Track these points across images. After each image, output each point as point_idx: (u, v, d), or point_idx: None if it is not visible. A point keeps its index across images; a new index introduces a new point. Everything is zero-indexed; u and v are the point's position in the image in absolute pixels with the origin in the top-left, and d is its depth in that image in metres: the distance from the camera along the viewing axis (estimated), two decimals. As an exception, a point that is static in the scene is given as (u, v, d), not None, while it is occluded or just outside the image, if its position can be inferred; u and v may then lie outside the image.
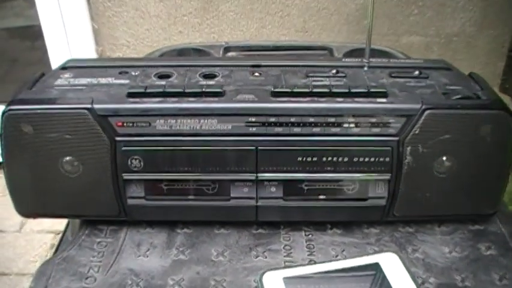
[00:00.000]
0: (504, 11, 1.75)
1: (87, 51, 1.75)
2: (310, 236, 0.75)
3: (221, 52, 1.07)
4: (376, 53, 0.78)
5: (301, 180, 0.71)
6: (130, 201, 0.72)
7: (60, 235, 0.89)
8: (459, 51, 1.81)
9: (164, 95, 0.69)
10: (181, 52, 1.11)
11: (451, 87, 0.72)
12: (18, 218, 0.74)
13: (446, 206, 0.73)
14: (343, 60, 0.80)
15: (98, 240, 0.74)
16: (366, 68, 0.77)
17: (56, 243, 0.90)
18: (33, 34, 2.77)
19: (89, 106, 0.67)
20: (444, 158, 0.69)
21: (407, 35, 1.77)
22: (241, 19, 1.71)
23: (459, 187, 0.72)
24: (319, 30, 1.74)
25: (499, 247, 0.73)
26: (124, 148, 0.68)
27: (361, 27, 1.72)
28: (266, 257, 0.71)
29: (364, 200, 0.72)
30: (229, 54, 1.07)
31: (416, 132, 0.68)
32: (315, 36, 1.75)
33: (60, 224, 0.89)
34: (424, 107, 0.67)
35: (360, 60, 0.79)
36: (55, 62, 1.76)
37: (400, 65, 0.79)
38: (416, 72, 0.75)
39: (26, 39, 2.93)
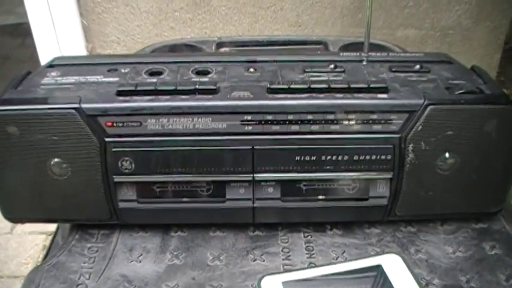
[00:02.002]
0: (500, 3, 1.73)
1: (77, 48, 1.72)
2: (309, 237, 0.72)
3: (214, 48, 1.04)
4: (372, 47, 0.76)
5: (300, 180, 0.69)
6: (121, 204, 0.70)
7: (52, 236, 0.86)
8: (455, 44, 1.79)
9: (155, 93, 0.66)
10: (173, 48, 1.08)
11: (454, 82, 0.70)
12: (8, 219, 0.72)
13: (449, 204, 0.71)
14: (341, 54, 0.78)
15: (89, 245, 0.71)
16: (364, 63, 0.75)
17: (47, 245, 0.88)
18: (24, 31, 2.75)
19: (76, 106, 0.64)
20: (447, 155, 0.67)
21: (403, 28, 1.76)
22: (233, 14, 1.69)
23: (463, 185, 0.70)
24: (313, 24, 1.72)
25: (504, 246, 0.71)
26: (114, 149, 0.66)
27: (356, 20, 1.70)
28: (264, 261, 0.69)
29: (365, 199, 0.70)
30: (222, 49, 1.05)
31: (419, 128, 0.65)
32: (308, 30, 1.73)
33: (52, 224, 0.87)
34: (426, 102, 0.65)
35: (358, 54, 0.77)
36: (45, 60, 1.73)
37: (400, 59, 0.76)
38: (418, 67, 0.73)
39: (17, 36, 2.92)
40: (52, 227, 0.87)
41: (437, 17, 1.73)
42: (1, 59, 2.74)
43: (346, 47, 1.02)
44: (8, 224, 1.78)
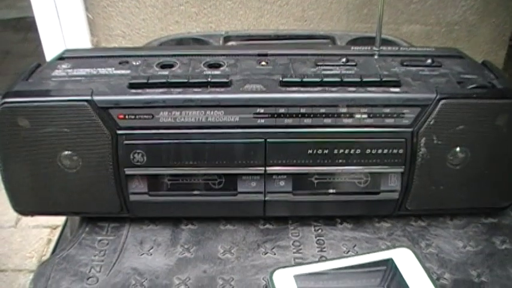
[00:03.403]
0: (506, -1, 1.73)
1: (82, 42, 1.72)
2: (319, 231, 0.72)
3: (221, 41, 1.04)
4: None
5: (311, 174, 0.69)
6: (132, 197, 0.69)
7: (57, 230, 0.86)
8: (460, 40, 1.78)
9: (168, 85, 0.66)
10: (180, 42, 1.08)
11: (466, 76, 0.70)
12: (13, 213, 0.72)
13: (460, 199, 0.71)
14: (352, 48, 0.78)
15: (99, 238, 0.71)
16: (376, 57, 0.75)
17: (54, 239, 0.88)
18: (26, 26, 2.75)
19: (88, 98, 0.64)
20: (458, 149, 0.67)
21: (408, 23, 1.75)
22: (239, 8, 1.68)
23: (473, 179, 0.69)
24: (319, 19, 1.71)
25: (514, 241, 0.71)
26: (126, 142, 0.66)
27: (362, 15, 1.70)
28: (275, 254, 0.69)
29: (376, 193, 0.70)
30: (230, 43, 1.05)
31: (431, 122, 0.65)
32: (314, 25, 1.72)
33: (57, 218, 0.86)
34: (439, 96, 0.65)
35: (369, 48, 0.76)
36: (49, 54, 1.73)
37: (411, 53, 0.76)
38: (429, 61, 0.73)
39: (18, 31, 2.91)
40: (57, 221, 0.87)
41: (443, 13, 1.73)
42: (3, 53, 2.73)
43: (354, 42, 1.02)
44: (12, 218, 1.78)
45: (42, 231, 1.75)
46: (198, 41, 1.07)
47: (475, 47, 1.79)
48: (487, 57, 1.75)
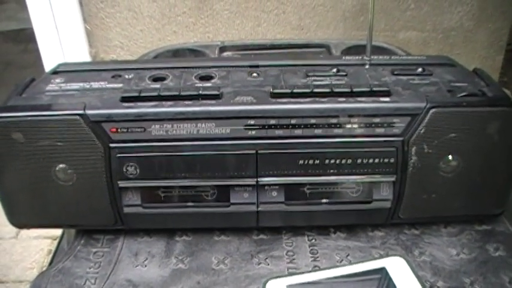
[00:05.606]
0: (502, 4, 1.73)
1: (81, 53, 1.73)
2: (313, 240, 0.73)
3: (217, 52, 1.04)
4: (374, 49, 0.76)
5: (303, 184, 0.69)
6: (126, 210, 0.70)
7: (57, 241, 0.86)
8: (457, 46, 1.79)
9: (159, 98, 0.67)
10: (176, 53, 1.09)
11: (456, 84, 0.70)
12: (14, 225, 0.73)
13: (452, 206, 0.71)
14: (344, 58, 0.78)
15: (94, 250, 0.72)
16: (367, 66, 0.75)
17: (53, 250, 0.88)
18: (26, 37, 2.76)
19: (81, 112, 0.65)
20: (450, 158, 0.67)
21: (404, 30, 1.76)
22: (236, 18, 1.69)
23: (466, 187, 0.70)
24: (315, 27, 1.72)
25: (507, 248, 0.71)
26: (119, 155, 0.66)
27: (358, 23, 1.70)
28: (268, 264, 0.69)
29: (369, 202, 0.70)
30: (225, 54, 1.05)
31: (422, 131, 0.66)
32: (311, 33, 1.73)
33: (57, 229, 0.87)
34: (429, 105, 0.65)
35: (360, 57, 0.77)
36: (48, 65, 1.74)
37: (403, 62, 0.77)
38: (420, 69, 0.73)
39: (19, 42, 2.92)
40: (57, 231, 0.87)
41: (439, 19, 1.73)
42: (3, 64, 2.74)
43: (349, 50, 1.02)
44: (13, 229, 1.76)
45: (42, 242, 1.75)
46: (194, 52, 1.07)
47: (472, 53, 1.80)
48: (484, 63, 1.76)
